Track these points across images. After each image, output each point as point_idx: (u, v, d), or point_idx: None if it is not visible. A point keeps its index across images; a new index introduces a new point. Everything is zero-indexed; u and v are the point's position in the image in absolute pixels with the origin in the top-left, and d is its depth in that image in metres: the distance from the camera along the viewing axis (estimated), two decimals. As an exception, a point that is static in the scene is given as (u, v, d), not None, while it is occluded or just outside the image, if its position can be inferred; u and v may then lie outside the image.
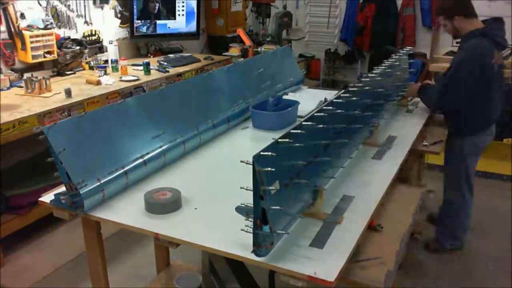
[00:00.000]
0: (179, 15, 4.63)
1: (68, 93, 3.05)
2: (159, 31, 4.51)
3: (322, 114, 1.64)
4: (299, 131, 1.47)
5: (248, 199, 1.37)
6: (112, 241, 2.89)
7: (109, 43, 4.11)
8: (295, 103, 2.62)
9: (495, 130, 2.81)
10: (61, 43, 3.58)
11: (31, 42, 3.28)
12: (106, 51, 4.06)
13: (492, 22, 2.64)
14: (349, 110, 1.97)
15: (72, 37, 3.73)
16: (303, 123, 1.55)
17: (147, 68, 3.77)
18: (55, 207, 1.69)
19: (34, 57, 3.32)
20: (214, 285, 2.37)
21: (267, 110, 2.55)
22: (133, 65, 4.01)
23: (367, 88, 2.15)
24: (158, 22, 4.47)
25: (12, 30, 3.27)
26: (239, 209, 1.54)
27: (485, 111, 2.68)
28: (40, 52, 3.36)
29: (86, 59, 3.85)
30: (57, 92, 3.13)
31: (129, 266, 2.87)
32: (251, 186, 1.32)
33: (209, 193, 1.79)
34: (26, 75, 3.28)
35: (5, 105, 2.84)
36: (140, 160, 1.83)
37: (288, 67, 3.24)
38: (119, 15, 4.25)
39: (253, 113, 2.52)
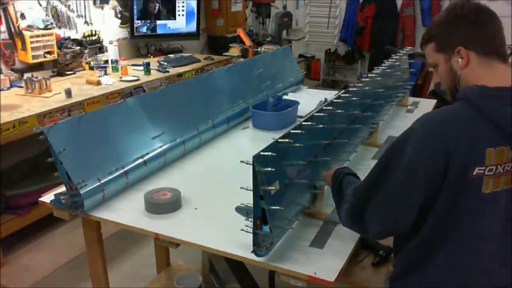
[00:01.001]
0: (179, 15, 4.63)
1: (68, 93, 3.05)
2: (159, 31, 4.51)
3: (322, 114, 1.64)
4: (299, 131, 1.47)
5: (248, 199, 1.37)
6: (112, 241, 2.89)
7: (109, 43, 4.11)
8: (295, 103, 2.62)
9: None
10: (61, 43, 3.58)
11: (31, 42, 3.28)
12: (106, 51, 4.06)
13: None
14: (349, 110, 1.97)
15: (72, 37, 3.73)
16: (303, 123, 1.55)
17: (147, 68, 3.77)
18: (55, 207, 1.69)
19: (34, 57, 3.32)
20: (214, 285, 2.37)
21: (267, 110, 2.55)
22: (133, 65, 4.01)
23: (367, 88, 2.15)
24: (158, 22, 4.47)
25: (12, 30, 3.27)
26: (239, 209, 1.54)
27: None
28: (40, 52, 3.36)
29: (86, 59, 3.85)
30: (57, 92, 3.13)
31: (129, 266, 2.87)
32: (251, 186, 1.32)
33: (209, 193, 1.79)
34: (26, 75, 3.28)
35: (5, 105, 2.84)
36: (140, 160, 1.83)
37: (288, 67, 3.24)
38: (119, 15, 4.25)
39: (253, 113, 2.52)
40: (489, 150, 1.12)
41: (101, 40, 4.06)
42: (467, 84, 1.22)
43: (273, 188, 1.31)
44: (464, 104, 1.16)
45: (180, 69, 4.03)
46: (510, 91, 1.14)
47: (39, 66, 3.49)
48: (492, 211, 1.16)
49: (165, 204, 1.63)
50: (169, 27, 4.59)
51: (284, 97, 2.86)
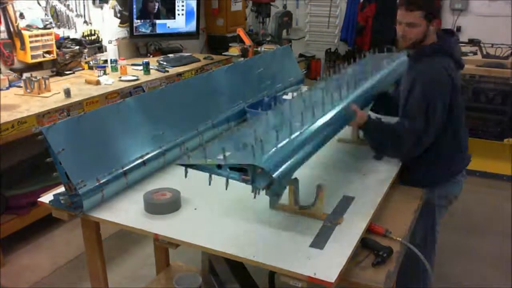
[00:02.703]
0: (178, 14, 4.62)
1: (67, 93, 3.05)
2: (158, 30, 4.50)
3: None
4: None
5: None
6: (111, 242, 2.89)
7: (109, 42, 4.11)
8: (291, 103, 2.61)
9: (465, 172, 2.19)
10: (61, 43, 3.58)
11: (30, 42, 3.27)
12: (106, 51, 4.06)
13: (447, 35, 2.08)
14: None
15: (71, 36, 3.72)
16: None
17: (146, 68, 3.76)
18: (54, 207, 1.68)
19: (33, 57, 3.32)
20: (214, 286, 2.37)
21: (263, 109, 2.55)
22: (132, 64, 4.00)
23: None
24: (157, 21, 4.47)
25: (11, 30, 3.26)
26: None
27: (460, 148, 2.12)
28: (39, 52, 3.35)
29: (85, 59, 3.85)
30: (56, 92, 3.13)
31: (129, 267, 2.87)
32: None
33: (209, 193, 1.77)
34: (25, 75, 3.27)
35: (4, 105, 2.83)
36: (140, 160, 1.83)
37: (288, 67, 3.23)
38: (118, 15, 4.24)
39: (249, 112, 2.52)
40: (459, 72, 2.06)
41: (100, 39, 4.05)
42: (427, 42, 2.00)
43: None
44: (441, 54, 1.98)
45: (180, 69, 4.03)
46: (450, 41, 2.06)
47: (38, 66, 3.49)
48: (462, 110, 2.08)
49: (165, 205, 1.63)
50: (168, 27, 4.58)
51: (284, 96, 2.85)
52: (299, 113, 1.66)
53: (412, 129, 1.91)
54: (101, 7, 4.05)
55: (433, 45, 1.98)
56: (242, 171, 1.37)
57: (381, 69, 2.46)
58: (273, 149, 1.42)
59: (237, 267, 2.28)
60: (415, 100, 1.93)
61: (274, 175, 1.33)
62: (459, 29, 5.26)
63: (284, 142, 1.49)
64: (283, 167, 1.39)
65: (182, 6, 4.62)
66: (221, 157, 1.39)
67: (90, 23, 3.94)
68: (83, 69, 3.78)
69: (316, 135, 1.65)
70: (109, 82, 3.43)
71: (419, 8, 1.92)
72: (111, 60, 3.84)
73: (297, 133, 1.56)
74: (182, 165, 1.48)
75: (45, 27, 3.44)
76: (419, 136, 1.91)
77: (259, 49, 4.67)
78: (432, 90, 1.90)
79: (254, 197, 1.38)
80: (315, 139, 1.64)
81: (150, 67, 3.82)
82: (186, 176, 1.47)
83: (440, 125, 1.93)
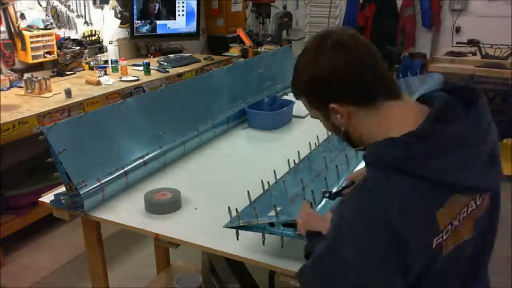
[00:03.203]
0: (179, 15, 4.63)
1: (68, 93, 3.05)
2: (159, 31, 4.51)
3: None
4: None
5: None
6: (112, 241, 2.88)
7: (109, 43, 4.11)
8: (290, 103, 2.62)
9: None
10: (61, 43, 3.58)
11: (31, 42, 3.28)
12: (106, 51, 4.06)
13: (449, 104, 0.96)
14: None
15: (72, 37, 3.72)
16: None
17: (147, 68, 3.77)
18: (55, 207, 1.68)
19: (34, 57, 3.32)
20: (214, 285, 2.37)
21: (263, 110, 2.55)
22: (133, 65, 4.01)
23: None
24: (158, 22, 4.47)
25: (12, 30, 3.27)
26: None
27: None
28: (40, 52, 3.36)
29: (86, 59, 3.85)
30: (57, 92, 3.13)
31: (129, 266, 2.87)
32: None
33: (209, 193, 1.79)
34: (26, 75, 3.28)
35: (5, 105, 2.84)
36: (140, 160, 1.83)
37: (288, 67, 3.22)
38: (119, 15, 4.25)
39: (248, 113, 2.52)
40: (439, 212, 0.89)
41: (101, 40, 4.06)
42: (361, 138, 1.02)
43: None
44: (387, 172, 0.89)
45: (180, 69, 4.03)
46: (423, 137, 0.89)
47: (39, 66, 3.49)
48: (454, 265, 0.99)
49: (165, 204, 1.63)
50: (169, 27, 4.59)
51: (284, 97, 2.86)
52: (341, 152, 1.59)
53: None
54: (102, 8, 4.06)
55: (383, 144, 0.93)
56: (295, 226, 1.27)
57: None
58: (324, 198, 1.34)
59: (237, 267, 2.28)
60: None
61: None
62: (458, 29, 5.27)
63: (335, 189, 1.40)
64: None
65: (183, 6, 4.63)
66: (272, 214, 1.29)
67: (91, 24, 3.95)
68: (84, 69, 3.78)
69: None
70: (110, 82, 3.44)
71: (299, 95, 1.12)
72: (111, 60, 3.84)
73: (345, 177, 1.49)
74: (232, 227, 1.33)
75: (46, 28, 3.45)
76: None
77: (259, 49, 4.67)
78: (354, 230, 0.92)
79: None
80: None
81: (151, 67, 3.83)
82: (238, 239, 1.36)
83: None
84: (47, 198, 1.74)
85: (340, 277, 0.90)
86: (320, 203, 1.31)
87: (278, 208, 1.30)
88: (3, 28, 3.23)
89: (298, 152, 1.70)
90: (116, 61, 3.85)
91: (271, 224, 1.31)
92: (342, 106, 0.99)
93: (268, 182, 1.48)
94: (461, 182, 0.90)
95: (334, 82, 0.99)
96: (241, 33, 4.66)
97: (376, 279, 0.87)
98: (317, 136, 1.89)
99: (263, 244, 1.36)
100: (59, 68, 3.61)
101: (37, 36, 3.32)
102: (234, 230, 1.39)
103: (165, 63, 4.10)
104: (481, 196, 0.99)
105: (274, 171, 1.54)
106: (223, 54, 4.77)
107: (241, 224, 1.33)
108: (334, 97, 1.00)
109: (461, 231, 0.96)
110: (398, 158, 0.88)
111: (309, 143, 1.81)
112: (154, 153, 1.90)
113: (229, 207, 1.37)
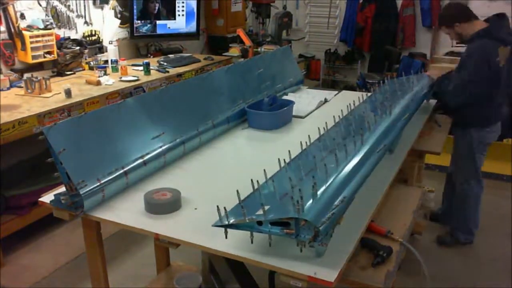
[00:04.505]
0: (179, 15, 4.63)
1: (68, 93, 3.05)
2: (159, 31, 4.51)
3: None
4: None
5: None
6: (112, 241, 2.89)
7: (109, 43, 4.11)
8: (290, 103, 2.62)
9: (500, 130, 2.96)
10: (61, 43, 3.58)
11: (31, 43, 3.28)
12: (106, 51, 4.06)
13: (495, 19, 2.76)
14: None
15: (72, 37, 3.72)
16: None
17: (147, 68, 3.77)
18: (55, 207, 1.69)
19: (34, 57, 3.32)
20: (214, 285, 2.37)
21: (262, 110, 2.56)
22: (133, 65, 4.01)
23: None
24: (158, 22, 4.47)
25: (12, 30, 3.27)
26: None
27: (491, 109, 2.83)
28: (40, 52, 3.36)
29: (86, 59, 3.85)
30: (57, 92, 3.13)
31: (129, 266, 2.87)
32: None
33: (209, 193, 1.79)
34: (26, 75, 3.28)
35: (5, 105, 2.84)
36: (140, 160, 1.83)
37: (288, 67, 3.24)
38: (119, 15, 4.25)
39: (248, 113, 2.52)
40: (500, 49, 2.65)
41: (101, 40, 4.06)
42: (466, 36, 2.79)
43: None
44: (486, 37, 2.67)
45: (180, 69, 4.03)
46: (494, 26, 2.73)
47: (39, 66, 3.49)
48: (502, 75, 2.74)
49: (165, 204, 1.63)
50: (169, 27, 4.59)
51: (284, 97, 2.86)
52: (331, 152, 1.59)
53: (459, 79, 2.75)
54: (102, 8, 4.06)
55: (476, 33, 2.71)
56: (283, 224, 1.30)
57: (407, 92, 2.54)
58: (314, 198, 1.35)
59: (237, 267, 2.29)
60: (463, 62, 2.80)
61: (321, 228, 1.25)
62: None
63: (323, 188, 1.42)
64: (327, 216, 1.30)
65: (183, 6, 4.63)
66: (260, 212, 1.31)
67: (91, 24, 3.95)
68: (84, 69, 3.78)
69: (355, 173, 1.58)
70: (110, 82, 3.44)
71: (440, 25, 2.96)
72: (111, 60, 3.84)
73: (334, 176, 1.51)
74: (220, 226, 1.37)
75: (45, 28, 3.45)
76: (464, 84, 2.71)
77: (259, 49, 4.67)
78: (474, 57, 2.70)
79: (301, 250, 1.33)
80: (354, 178, 1.56)
81: (151, 67, 3.83)
82: (226, 237, 1.39)
83: (483, 80, 2.67)
84: (47, 198, 1.74)
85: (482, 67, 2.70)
86: (308, 201, 1.32)
87: (266, 207, 1.32)
88: (3, 28, 3.23)
89: (289, 151, 1.71)
90: (116, 61, 3.85)
91: (259, 223, 1.33)
92: (461, 24, 2.79)
93: (257, 181, 1.49)
94: (506, 40, 2.69)
95: (459, 10, 2.88)
96: (241, 33, 4.66)
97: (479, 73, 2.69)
98: (309, 136, 1.89)
99: (252, 242, 1.37)
100: (59, 68, 3.61)
101: (37, 36, 3.32)
102: (233, 230, 1.39)
103: (165, 63, 4.10)
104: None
105: (264, 170, 1.54)
106: (223, 54, 4.77)
107: (229, 223, 1.35)
108: (459, 19, 2.79)
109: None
110: (484, 33, 2.69)
111: (300, 142, 1.82)
112: (154, 153, 1.90)
113: (217, 206, 1.38)
